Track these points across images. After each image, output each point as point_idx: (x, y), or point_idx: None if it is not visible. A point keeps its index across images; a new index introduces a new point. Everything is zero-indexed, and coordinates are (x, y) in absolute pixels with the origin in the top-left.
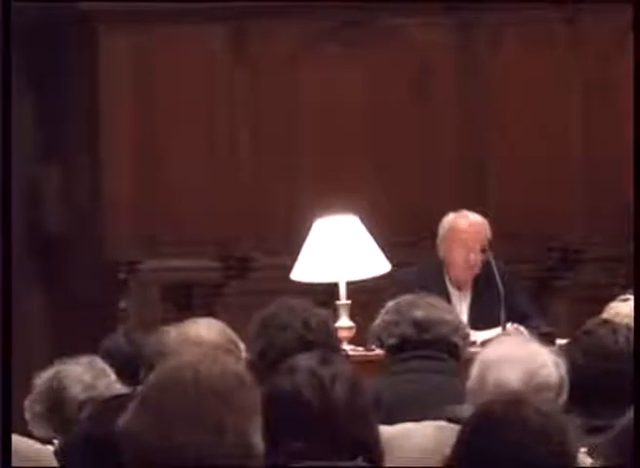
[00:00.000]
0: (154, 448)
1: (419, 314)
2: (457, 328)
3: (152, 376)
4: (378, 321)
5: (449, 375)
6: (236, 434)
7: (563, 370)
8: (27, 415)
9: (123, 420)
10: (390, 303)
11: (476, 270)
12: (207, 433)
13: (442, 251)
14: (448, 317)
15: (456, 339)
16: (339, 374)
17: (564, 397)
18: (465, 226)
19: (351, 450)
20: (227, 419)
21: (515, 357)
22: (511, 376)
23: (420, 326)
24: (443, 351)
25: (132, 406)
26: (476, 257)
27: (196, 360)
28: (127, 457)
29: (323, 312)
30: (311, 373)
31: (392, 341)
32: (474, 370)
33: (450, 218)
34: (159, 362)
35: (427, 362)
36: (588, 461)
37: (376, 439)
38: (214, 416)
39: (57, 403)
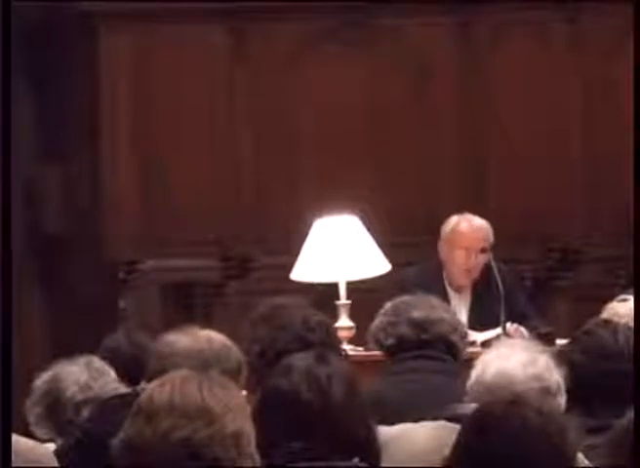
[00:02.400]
0: (149, 451)
1: (416, 314)
2: (455, 327)
3: (145, 393)
4: (375, 322)
5: (448, 375)
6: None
7: (560, 373)
8: (28, 417)
9: (117, 438)
10: (388, 304)
11: (475, 274)
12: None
13: (443, 252)
14: (446, 316)
15: (454, 338)
16: (335, 373)
17: (563, 398)
18: (467, 230)
19: (348, 449)
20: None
21: (516, 353)
22: (511, 367)
23: (417, 326)
24: (442, 351)
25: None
26: (476, 261)
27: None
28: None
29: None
30: (308, 373)
31: (390, 342)
32: (475, 369)
33: (453, 221)
34: (167, 364)
35: (427, 361)
36: (587, 461)
37: (372, 437)
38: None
39: (54, 404)
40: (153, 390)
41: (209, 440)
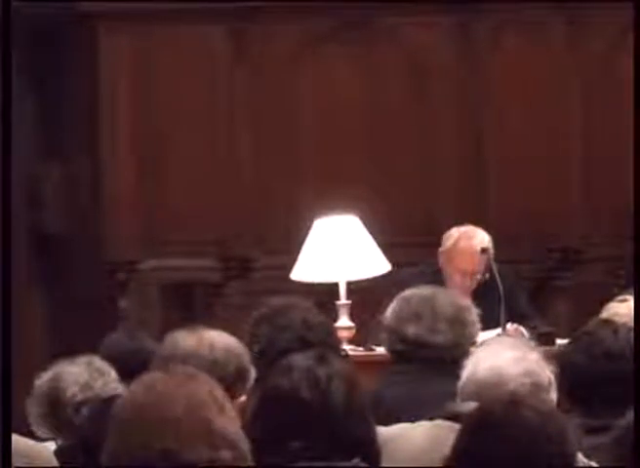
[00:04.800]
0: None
1: (411, 331)
2: (455, 344)
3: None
4: (385, 317)
5: (448, 375)
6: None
7: (550, 369)
8: (28, 417)
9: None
10: (398, 301)
11: (472, 288)
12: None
13: (441, 262)
14: (447, 334)
15: (452, 354)
16: (335, 373)
17: (555, 393)
18: (466, 251)
19: (349, 449)
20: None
21: (506, 350)
22: (503, 364)
23: (412, 343)
24: (437, 365)
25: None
26: (472, 283)
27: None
28: None
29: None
30: (308, 373)
31: (390, 348)
32: (466, 367)
33: (453, 237)
34: (167, 365)
35: (426, 362)
36: (586, 461)
37: (373, 437)
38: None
39: (54, 404)
40: (128, 398)
41: (197, 438)
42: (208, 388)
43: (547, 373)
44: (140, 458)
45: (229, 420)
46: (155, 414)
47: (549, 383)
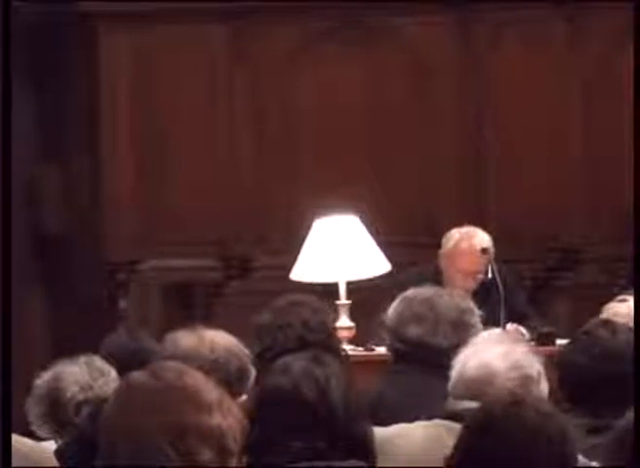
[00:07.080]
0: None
1: (413, 332)
2: (456, 347)
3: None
4: (386, 317)
5: (449, 376)
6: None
7: (539, 361)
8: (28, 417)
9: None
10: (400, 301)
11: (473, 288)
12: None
13: (442, 263)
14: (449, 336)
15: (453, 356)
16: (333, 374)
17: (545, 385)
18: (467, 252)
19: (347, 449)
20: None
21: (493, 346)
22: (492, 359)
23: (413, 344)
24: (438, 366)
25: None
26: (474, 283)
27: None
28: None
29: (324, 306)
30: (307, 373)
31: (388, 348)
32: (455, 366)
33: (453, 238)
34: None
35: (427, 364)
36: (587, 461)
37: (369, 438)
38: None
39: (55, 404)
40: (111, 399)
41: (171, 437)
42: (186, 384)
43: (537, 366)
44: (126, 458)
45: (216, 418)
46: (134, 413)
47: (539, 375)
